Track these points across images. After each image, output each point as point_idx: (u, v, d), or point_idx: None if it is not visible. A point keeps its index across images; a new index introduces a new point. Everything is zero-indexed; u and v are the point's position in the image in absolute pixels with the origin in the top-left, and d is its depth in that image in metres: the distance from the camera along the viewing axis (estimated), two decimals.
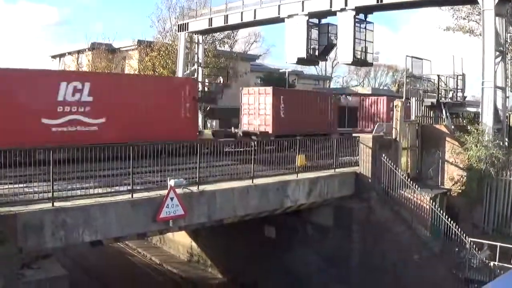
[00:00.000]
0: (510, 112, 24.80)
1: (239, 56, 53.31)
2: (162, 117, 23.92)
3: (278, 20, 30.73)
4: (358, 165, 21.47)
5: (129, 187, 14.39)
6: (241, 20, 32.93)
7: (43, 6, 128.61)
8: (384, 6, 26.62)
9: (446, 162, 23.25)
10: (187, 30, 37.00)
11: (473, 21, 33.91)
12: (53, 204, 12.67)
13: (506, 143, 22.28)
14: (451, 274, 18.16)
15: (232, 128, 33.23)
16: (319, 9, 28.24)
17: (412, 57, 25.86)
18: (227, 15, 33.69)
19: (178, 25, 38.67)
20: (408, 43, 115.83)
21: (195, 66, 38.11)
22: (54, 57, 56.49)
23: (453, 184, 22.83)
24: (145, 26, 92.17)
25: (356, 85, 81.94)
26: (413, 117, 24.86)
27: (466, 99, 27.48)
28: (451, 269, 18.25)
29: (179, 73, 37.10)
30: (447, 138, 23.28)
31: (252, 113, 32.87)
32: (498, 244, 17.69)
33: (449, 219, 18.68)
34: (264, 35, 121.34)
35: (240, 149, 19.64)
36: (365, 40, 28.03)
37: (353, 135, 23.15)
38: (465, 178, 22.37)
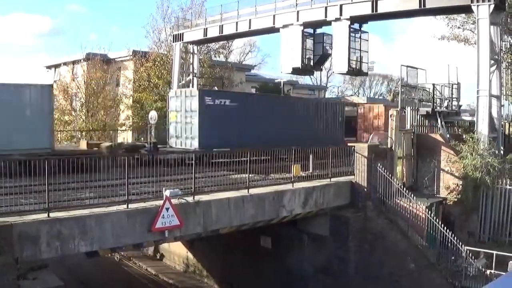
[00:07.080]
0: (506, 121, 24.90)
1: (234, 66, 53.41)
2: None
3: (273, 30, 30.86)
4: (354, 175, 21.49)
5: (125, 198, 14.35)
6: (236, 30, 33.06)
7: (35, 16, 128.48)
8: (378, 16, 26.76)
9: (441, 171, 23.28)
10: (182, 40, 37.11)
11: (467, 30, 34.07)
12: (48, 214, 12.61)
13: (502, 152, 22.36)
14: (447, 282, 18.16)
15: None
16: (314, 19, 28.39)
17: (407, 66, 25.95)
18: (222, 25, 33.82)
19: (173, 35, 38.82)
20: (403, 53, 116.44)
21: (190, 77, 38.20)
22: (49, 67, 56.39)
23: (449, 193, 22.86)
24: (139, 36, 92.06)
25: (351, 95, 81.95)
26: (408, 126, 24.91)
27: (461, 107, 27.59)
28: (447, 277, 18.25)
29: (174, 84, 37.13)
30: (443, 147, 23.32)
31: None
32: (494, 252, 17.70)
33: (445, 228, 18.69)
34: (259, 45, 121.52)
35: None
36: (360, 50, 28.21)
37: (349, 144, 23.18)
38: (460, 186, 22.41)
